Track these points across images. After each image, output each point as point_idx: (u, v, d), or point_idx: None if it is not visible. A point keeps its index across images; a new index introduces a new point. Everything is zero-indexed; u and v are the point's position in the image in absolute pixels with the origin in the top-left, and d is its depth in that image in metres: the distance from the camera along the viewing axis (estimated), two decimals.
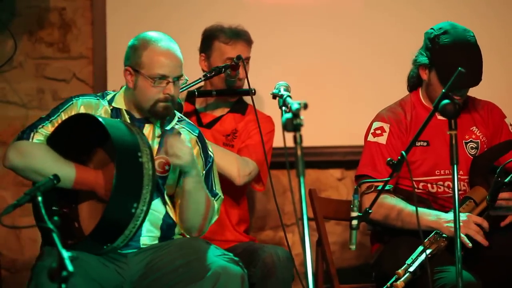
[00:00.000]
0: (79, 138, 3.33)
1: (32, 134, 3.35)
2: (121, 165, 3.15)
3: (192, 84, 3.97)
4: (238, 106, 4.17)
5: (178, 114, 3.57)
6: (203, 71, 4.10)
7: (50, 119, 3.39)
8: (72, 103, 3.44)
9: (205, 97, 4.10)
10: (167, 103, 3.40)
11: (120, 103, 3.48)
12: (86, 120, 3.28)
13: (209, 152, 3.56)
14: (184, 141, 3.35)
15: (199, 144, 3.53)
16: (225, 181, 3.98)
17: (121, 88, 3.56)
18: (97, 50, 4.71)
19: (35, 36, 4.72)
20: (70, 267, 2.42)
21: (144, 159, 3.20)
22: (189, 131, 3.53)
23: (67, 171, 3.26)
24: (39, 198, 2.79)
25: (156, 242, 3.43)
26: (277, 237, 4.82)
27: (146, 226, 3.38)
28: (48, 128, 3.37)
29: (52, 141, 3.34)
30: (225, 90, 4.08)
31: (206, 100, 4.16)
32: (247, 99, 4.10)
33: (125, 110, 3.46)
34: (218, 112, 4.16)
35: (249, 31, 4.14)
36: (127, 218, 3.17)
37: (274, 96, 3.25)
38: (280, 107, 3.12)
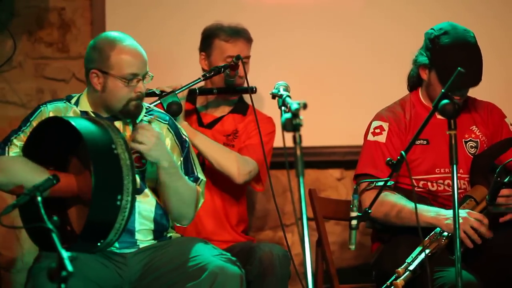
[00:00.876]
0: (52, 146, 3.32)
1: (7, 148, 3.35)
2: (97, 161, 3.13)
3: (192, 84, 3.97)
4: (239, 107, 4.17)
5: (145, 105, 3.54)
6: (203, 70, 4.10)
7: (22, 129, 3.39)
8: (41, 110, 3.43)
9: (206, 95, 4.09)
10: (138, 101, 3.39)
11: (85, 105, 3.44)
12: (56, 124, 3.27)
13: (184, 136, 3.54)
14: (151, 129, 3.31)
15: (172, 131, 3.51)
16: (225, 180, 3.98)
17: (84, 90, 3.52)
18: None
19: (34, 36, 4.71)
20: (69, 267, 2.42)
21: (119, 150, 3.19)
22: (159, 120, 3.51)
23: None
24: (39, 198, 2.79)
25: (151, 236, 3.43)
26: (276, 237, 4.82)
27: (138, 220, 3.39)
28: (21, 139, 3.36)
29: (27, 152, 3.33)
30: (226, 88, 4.08)
31: (207, 99, 4.15)
32: (248, 99, 4.09)
33: (91, 112, 3.43)
34: (219, 112, 4.16)
35: (249, 31, 4.14)
36: (114, 212, 3.16)
37: (274, 96, 3.25)
38: (280, 107, 3.12)
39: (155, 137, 3.30)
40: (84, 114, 3.43)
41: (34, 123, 3.38)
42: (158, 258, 3.35)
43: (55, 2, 4.71)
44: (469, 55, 3.65)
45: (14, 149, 3.35)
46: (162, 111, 3.63)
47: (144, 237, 3.42)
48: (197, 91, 4.03)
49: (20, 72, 4.72)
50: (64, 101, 3.48)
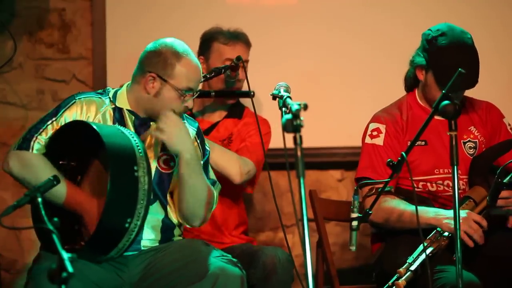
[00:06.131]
0: (76, 143, 3.29)
1: (32, 144, 3.30)
2: (115, 179, 3.09)
3: None
4: (235, 110, 4.15)
5: None
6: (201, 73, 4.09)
7: (52, 121, 3.34)
8: (75, 102, 3.39)
9: (203, 97, 4.07)
10: (181, 114, 3.41)
11: (123, 102, 3.42)
12: (84, 127, 3.24)
13: (206, 147, 3.56)
14: (174, 118, 3.31)
15: (197, 140, 3.52)
16: (222, 183, 3.97)
17: (121, 85, 3.50)
18: (96, 51, 4.71)
19: (35, 37, 4.71)
20: (70, 268, 2.42)
21: (140, 173, 3.15)
22: (188, 126, 3.51)
23: (58, 192, 3.21)
24: (39, 199, 2.79)
25: (157, 244, 3.42)
26: (277, 238, 4.82)
27: (146, 230, 3.37)
28: (48, 132, 3.32)
29: (50, 146, 3.29)
30: (224, 91, 4.07)
31: (203, 103, 4.13)
32: (245, 101, 4.09)
33: (128, 110, 3.41)
34: (215, 118, 4.14)
35: (248, 32, 4.14)
36: (121, 233, 3.14)
37: (274, 97, 3.25)
38: (280, 108, 3.12)
39: (178, 127, 3.31)
40: (119, 110, 3.40)
41: (66, 115, 3.35)
42: (159, 259, 3.34)
43: (55, 3, 4.71)
44: (466, 57, 3.64)
45: (38, 146, 3.29)
46: (192, 118, 3.63)
47: (149, 244, 3.41)
48: None
49: (20, 73, 4.72)
50: (99, 95, 3.45)
